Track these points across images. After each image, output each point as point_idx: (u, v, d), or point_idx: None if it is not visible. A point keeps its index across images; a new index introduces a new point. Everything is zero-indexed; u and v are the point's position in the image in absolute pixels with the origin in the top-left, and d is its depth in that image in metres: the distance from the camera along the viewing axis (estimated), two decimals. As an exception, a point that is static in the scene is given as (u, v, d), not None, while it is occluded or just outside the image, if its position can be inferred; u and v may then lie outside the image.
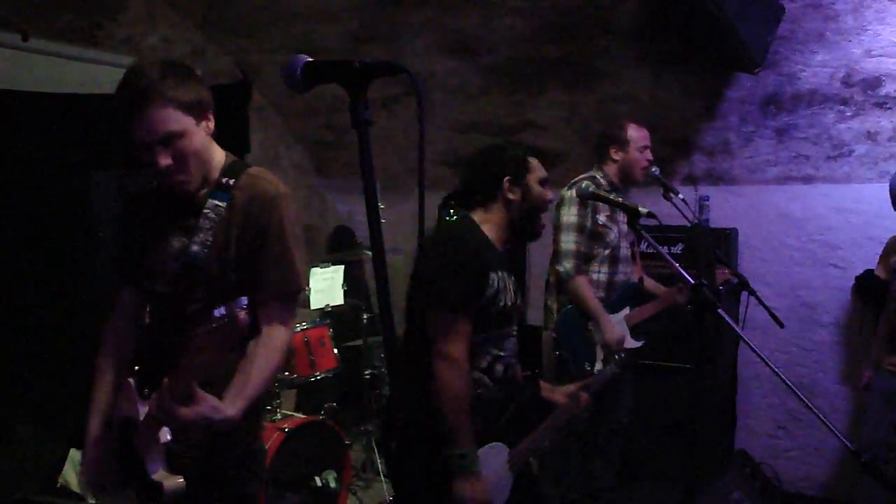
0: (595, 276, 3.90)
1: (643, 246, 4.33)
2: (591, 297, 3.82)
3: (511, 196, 2.60)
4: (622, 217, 3.94)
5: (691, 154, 5.06)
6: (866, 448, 3.83)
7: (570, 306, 3.88)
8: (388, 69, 1.27)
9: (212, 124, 2.13)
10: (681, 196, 3.98)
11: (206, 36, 5.29)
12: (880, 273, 4.13)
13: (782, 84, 4.53)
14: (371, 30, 5.00)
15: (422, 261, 2.53)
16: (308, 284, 4.75)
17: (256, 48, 5.35)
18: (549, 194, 2.67)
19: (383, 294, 1.25)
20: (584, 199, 3.78)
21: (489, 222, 2.61)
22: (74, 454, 3.80)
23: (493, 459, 2.50)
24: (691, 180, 5.10)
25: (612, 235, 3.90)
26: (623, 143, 3.97)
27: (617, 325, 3.85)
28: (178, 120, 2.01)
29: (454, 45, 5.00)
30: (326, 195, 6.55)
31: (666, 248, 4.65)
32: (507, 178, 2.59)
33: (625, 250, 4.00)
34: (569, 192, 3.90)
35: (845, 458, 4.64)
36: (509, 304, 2.55)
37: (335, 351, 4.63)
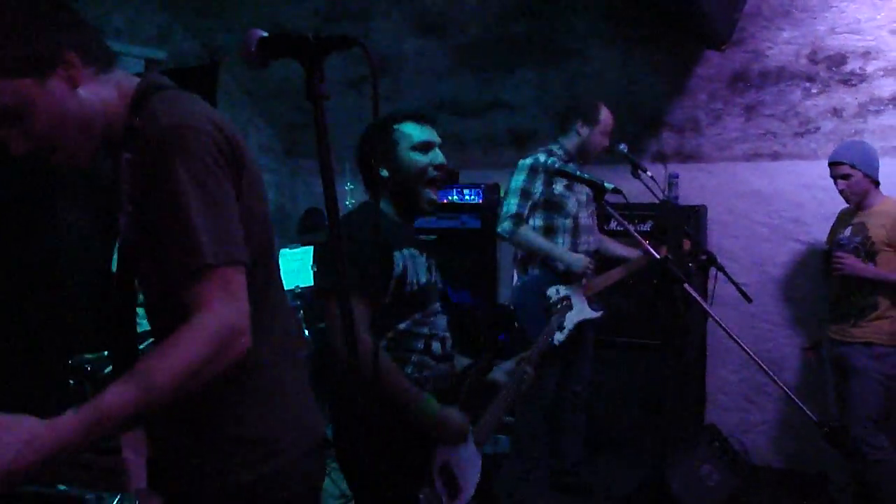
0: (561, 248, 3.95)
1: (612, 224, 4.36)
2: (538, 238, 3.88)
3: (384, 174, 2.47)
4: (580, 187, 4.00)
5: (660, 131, 5.08)
6: (829, 415, 4.00)
7: (524, 278, 3.92)
8: (343, 43, 1.26)
9: (75, 70, 1.48)
10: (650, 173, 4.02)
11: (171, 17, 5.22)
12: (828, 245, 4.23)
13: (750, 61, 4.55)
14: (339, 9, 4.96)
15: (323, 248, 2.44)
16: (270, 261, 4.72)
17: (223, 29, 5.29)
18: (432, 159, 2.47)
19: (341, 271, 1.25)
20: (551, 175, 3.81)
21: (388, 203, 2.51)
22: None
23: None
24: (660, 158, 5.13)
25: (571, 204, 3.96)
26: (592, 122, 4.03)
27: (574, 296, 3.92)
28: (4, 92, 1.42)
29: (423, 25, 4.97)
30: (296, 177, 6.51)
31: (634, 225, 4.68)
32: (374, 158, 2.47)
33: (585, 220, 4.05)
34: (523, 161, 3.99)
35: (812, 431, 4.70)
36: (423, 281, 2.47)
37: (306, 332, 4.62)
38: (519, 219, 3.88)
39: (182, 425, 1.60)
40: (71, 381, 3.72)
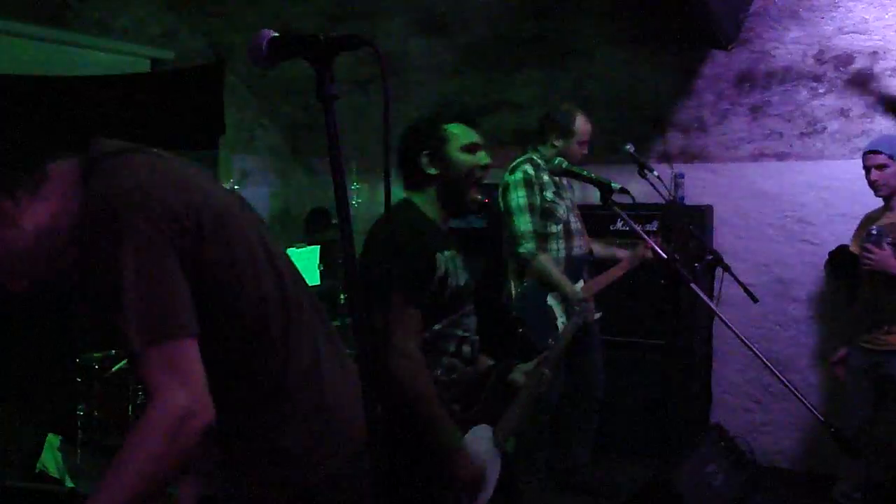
0: (555, 254, 3.95)
1: (619, 224, 4.36)
2: (556, 271, 3.88)
3: (431, 171, 2.49)
4: (567, 192, 4.01)
5: (666, 131, 5.07)
6: (850, 424, 3.87)
7: (524, 284, 3.93)
8: (354, 43, 1.26)
9: (9, 212, 1.45)
10: (656, 173, 4.01)
11: (178, 16, 5.22)
12: (854, 249, 4.13)
13: (756, 61, 4.54)
14: (345, 8, 4.96)
15: (366, 251, 2.44)
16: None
17: (230, 28, 5.30)
18: (479, 160, 2.51)
19: (351, 273, 1.25)
20: (557, 175, 3.82)
21: (427, 202, 2.52)
22: (52, 439, 3.78)
23: (482, 441, 2.50)
24: (666, 158, 5.12)
25: (561, 210, 3.96)
26: (567, 134, 4.04)
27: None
28: None
29: (429, 24, 4.97)
30: (302, 176, 6.52)
31: (640, 225, 4.68)
32: (423, 153, 2.48)
33: (575, 224, 4.05)
34: (512, 177, 3.95)
35: (818, 432, 4.70)
36: (461, 283, 2.49)
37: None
38: (538, 237, 3.89)
39: (221, 455, 1.65)
40: (78, 379, 3.74)
